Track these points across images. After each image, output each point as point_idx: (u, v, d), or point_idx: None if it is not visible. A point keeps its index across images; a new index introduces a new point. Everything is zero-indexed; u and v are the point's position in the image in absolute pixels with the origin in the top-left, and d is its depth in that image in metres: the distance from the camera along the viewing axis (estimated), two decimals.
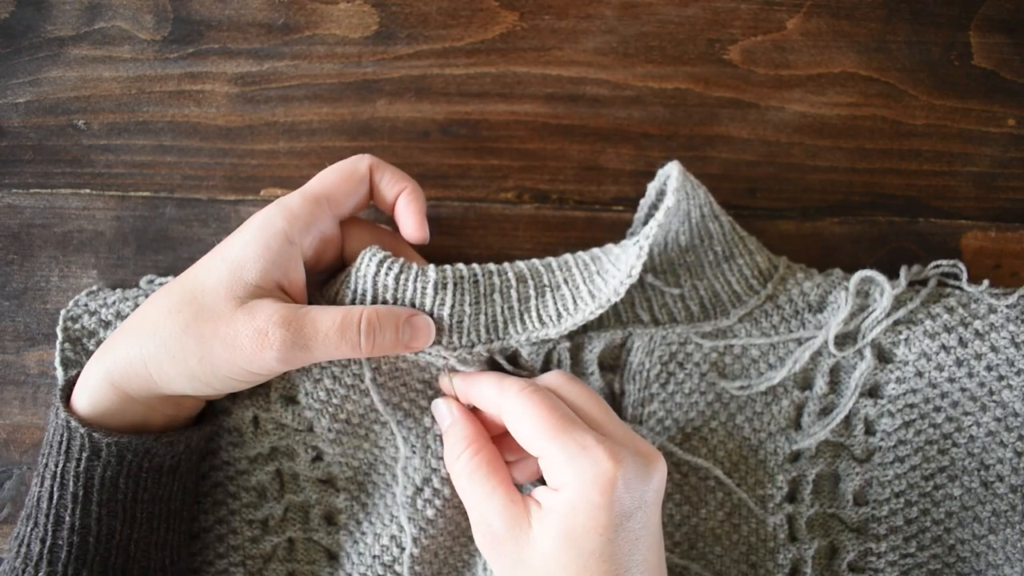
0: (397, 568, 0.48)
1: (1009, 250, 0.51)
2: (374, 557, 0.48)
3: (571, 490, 0.37)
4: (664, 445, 0.47)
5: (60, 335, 0.47)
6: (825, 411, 0.47)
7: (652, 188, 0.47)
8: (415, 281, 0.43)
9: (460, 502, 0.47)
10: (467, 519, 0.48)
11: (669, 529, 0.48)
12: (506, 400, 0.40)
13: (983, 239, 0.51)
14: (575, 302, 0.44)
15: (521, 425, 0.39)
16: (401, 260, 0.43)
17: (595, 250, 0.46)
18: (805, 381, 0.47)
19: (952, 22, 0.51)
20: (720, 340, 0.46)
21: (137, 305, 0.47)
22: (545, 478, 0.39)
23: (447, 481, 0.47)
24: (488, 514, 0.40)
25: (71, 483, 0.40)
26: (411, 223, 0.44)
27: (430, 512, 0.47)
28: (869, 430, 0.47)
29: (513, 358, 0.45)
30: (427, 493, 0.47)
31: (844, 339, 0.46)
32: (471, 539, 0.48)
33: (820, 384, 0.46)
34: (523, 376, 0.45)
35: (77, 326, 0.47)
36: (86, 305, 0.48)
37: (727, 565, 0.48)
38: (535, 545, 0.38)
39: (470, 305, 0.43)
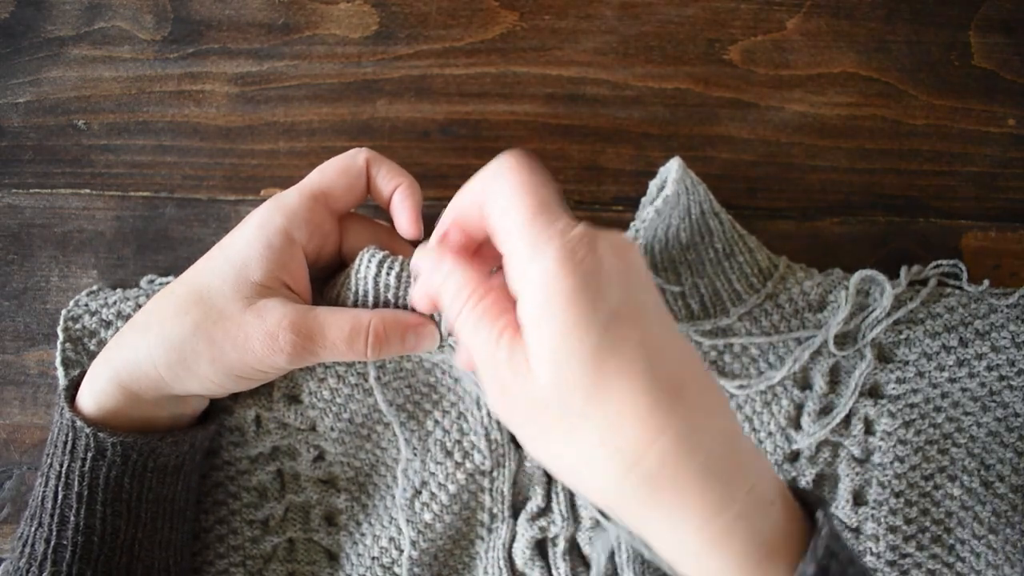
0: (396, 570, 0.48)
1: (1009, 250, 0.51)
2: (373, 558, 0.48)
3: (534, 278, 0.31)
4: None
5: (61, 335, 0.47)
6: (825, 411, 0.47)
7: (653, 186, 0.47)
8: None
9: (459, 506, 0.47)
10: (467, 523, 0.48)
11: None
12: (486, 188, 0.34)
13: (983, 239, 0.51)
14: None
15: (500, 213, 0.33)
16: (401, 258, 0.43)
17: None
18: (805, 380, 0.47)
19: (952, 22, 0.51)
20: (720, 338, 0.46)
21: (139, 305, 0.47)
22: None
23: (445, 486, 0.47)
24: (498, 364, 0.33)
25: (76, 483, 0.40)
26: (406, 219, 0.44)
27: (428, 516, 0.47)
28: (869, 430, 0.47)
29: None
30: (425, 496, 0.47)
31: (844, 338, 0.46)
32: (471, 542, 0.48)
33: (820, 383, 0.46)
34: None
35: (78, 326, 0.47)
36: (87, 305, 0.48)
37: None
38: (535, 379, 0.32)
39: None
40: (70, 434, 0.40)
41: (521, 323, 0.32)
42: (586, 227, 0.32)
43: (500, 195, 0.33)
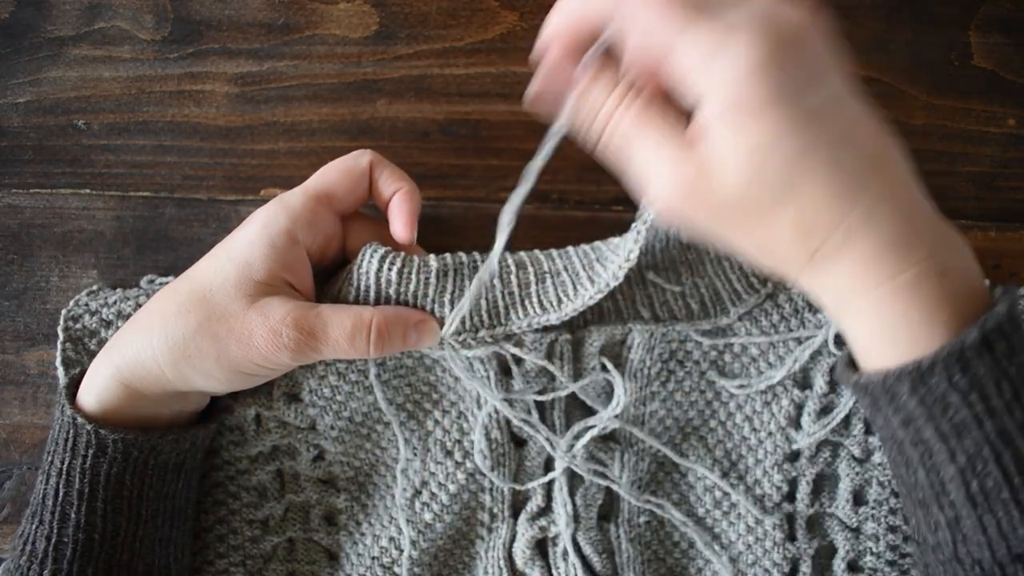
0: (396, 570, 0.48)
1: (1009, 250, 0.51)
2: (373, 558, 0.48)
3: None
4: (660, 448, 0.47)
5: (61, 335, 0.47)
6: (825, 410, 0.47)
7: None
8: (418, 273, 0.43)
9: (459, 506, 0.47)
10: (467, 523, 0.48)
11: (668, 529, 0.48)
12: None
13: (983, 239, 0.51)
14: (575, 287, 0.44)
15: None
16: (402, 254, 0.43)
17: (596, 242, 0.46)
18: (805, 380, 0.47)
19: (952, 22, 0.51)
20: (720, 338, 0.46)
21: (139, 305, 0.47)
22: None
23: (445, 485, 0.47)
24: (678, 162, 0.33)
25: (77, 480, 0.40)
26: (401, 223, 0.44)
27: (428, 516, 0.47)
28: (869, 430, 0.47)
29: (518, 348, 0.45)
30: (425, 496, 0.47)
31: (844, 338, 0.46)
32: (471, 542, 0.48)
33: (820, 383, 0.46)
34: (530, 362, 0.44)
35: (78, 326, 0.47)
36: (87, 305, 0.48)
37: (725, 564, 0.48)
38: (726, 178, 0.32)
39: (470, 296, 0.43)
40: (71, 431, 0.40)
41: (705, 123, 0.32)
42: (763, 10, 0.31)
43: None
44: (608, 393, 0.47)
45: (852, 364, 0.37)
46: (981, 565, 0.33)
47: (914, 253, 0.33)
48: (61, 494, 0.40)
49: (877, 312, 0.33)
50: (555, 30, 0.35)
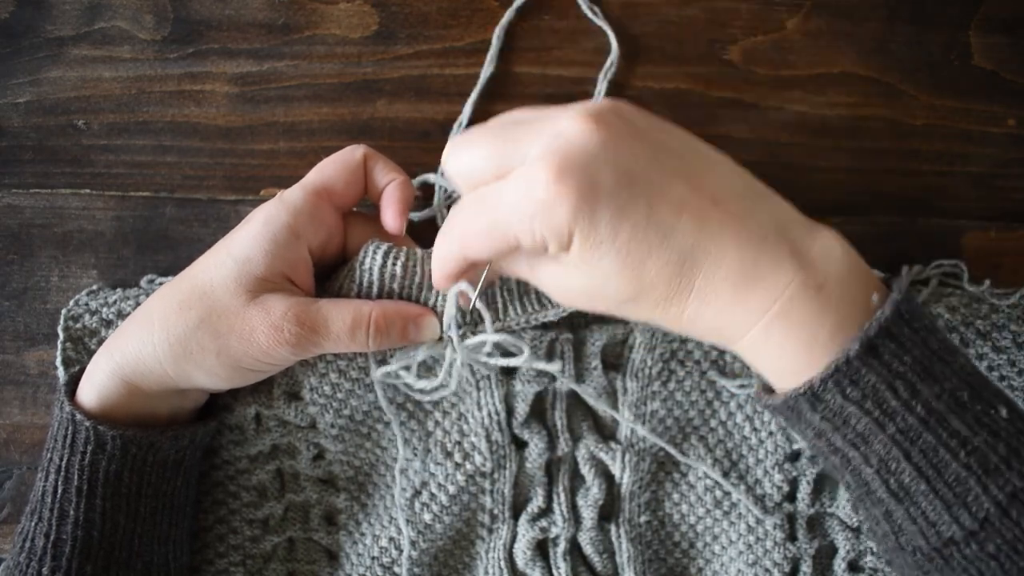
0: (396, 569, 0.48)
1: (1009, 250, 0.51)
2: (373, 558, 0.48)
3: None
4: (662, 446, 0.47)
5: (61, 334, 0.47)
6: None
7: None
8: (421, 267, 0.43)
9: (459, 507, 0.47)
10: (467, 524, 0.48)
11: (668, 529, 0.48)
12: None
13: (983, 239, 0.51)
14: None
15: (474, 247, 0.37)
16: (405, 249, 0.43)
17: None
18: None
19: (952, 22, 0.51)
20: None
21: (139, 305, 0.47)
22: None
23: (444, 487, 0.47)
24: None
25: (76, 477, 0.40)
26: (391, 213, 0.44)
27: (427, 516, 0.47)
28: None
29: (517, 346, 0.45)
30: (425, 496, 0.47)
31: None
32: (471, 543, 0.48)
33: None
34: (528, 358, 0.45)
35: (78, 325, 0.47)
36: (87, 304, 0.48)
37: (725, 564, 0.48)
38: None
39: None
40: (70, 428, 0.40)
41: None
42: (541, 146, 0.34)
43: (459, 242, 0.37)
44: (610, 393, 0.47)
45: (767, 386, 0.38)
46: (920, 551, 0.34)
47: (776, 281, 0.33)
48: (60, 491, 0.40)
49: (763, 345, 0.34)
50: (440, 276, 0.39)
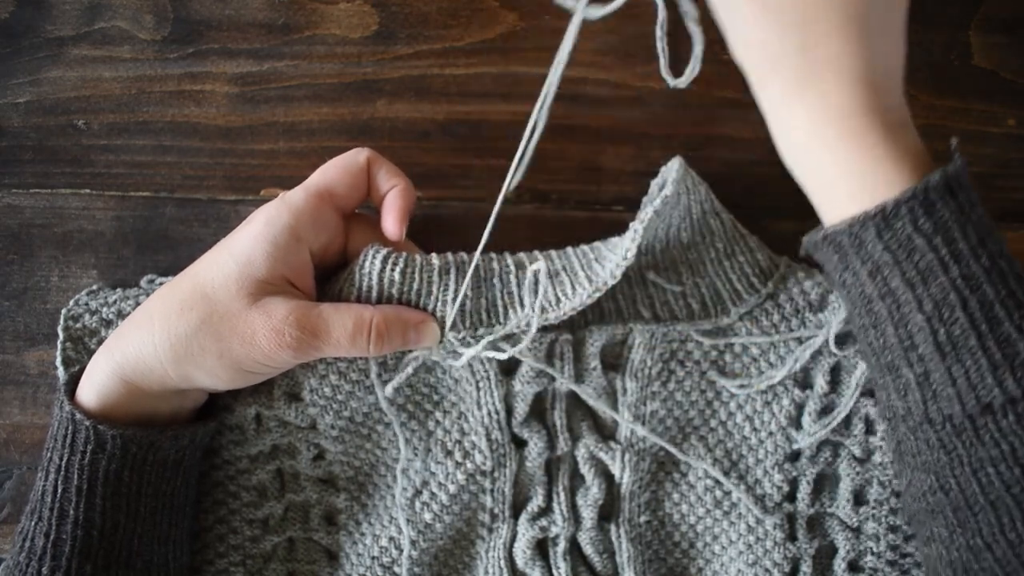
0: (396, 569, 0.48)
1: (1009, 250, 0.51)
2: (373, 558, 0.48)
3: None
4: (662, 445, 0.47)
5: (61, 334, 0.47)
6: (825, 410, 0.47)
7: (655, 185, 0.47)
8: (420, 272, 0.43)
9: (459, 507, 0.47)
10: (467, 523, 0.48)
11: (668, 529, 0.48)
12: None
13: None
14: (573, 287, 0.44)
15: None
16: (405, 254, 0.43)
17: (595, 242, 0.46)
18: (805, 380, 0.47)
19: (952, 22, 0.51)
20: (720, 338, 0.46)
21: (139, 304, 0.47)
22: None
23: (445, 486, 0.47)
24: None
25: (75, 476, 0.40)
26: (391, 219, 0.44)
27: (428, 516, 0.47)
28: (869, 429, 0.47)
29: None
30: (425, 496, 0.47)
31: (845, 338, 0.46)
32: (471, 542, 0.48)
33: (820, 383, 0.46)
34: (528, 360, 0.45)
35: (78, 325, 0.47)
36: (87, 304, 0.48)
37: (725, 564, 0.48)
38: None
39: (471, 289, 0.43)
40: (70, 427, 0.40)
41: None
42: None
43: None
44: (610, 393, 0.47)
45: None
46: (952, 421, 0.33)
47: (887, 100, 0.34)
48: (60, 491, 0.40)
49: (840, 153, 0.34)
50: None
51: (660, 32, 0.44)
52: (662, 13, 0.43)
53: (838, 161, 0.34)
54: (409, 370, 0.44)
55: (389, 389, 0.44)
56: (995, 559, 0.33)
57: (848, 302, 0.38)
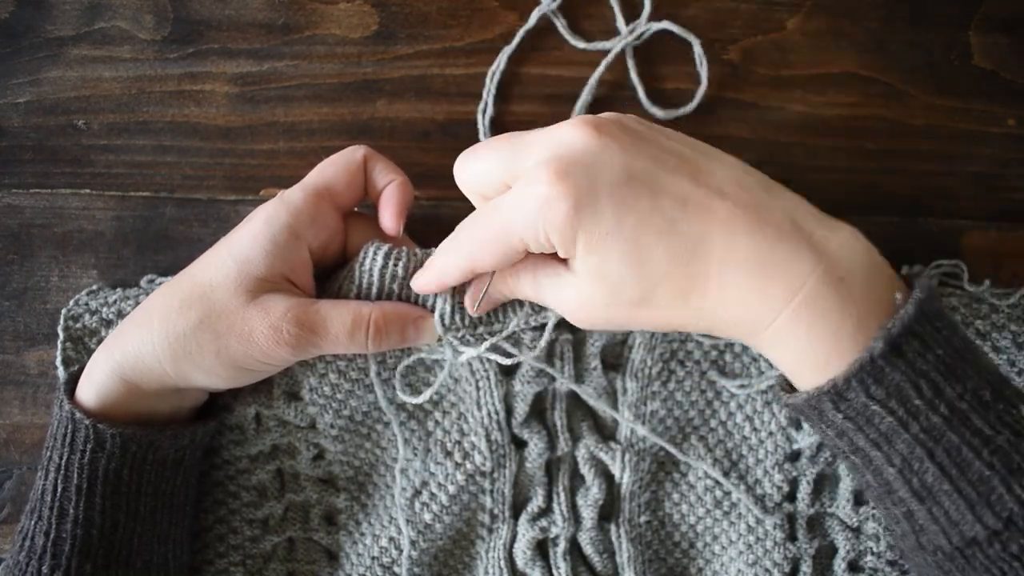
0: (396, 569, 0.48)
1: (1009, 250, 0.51)
2: (373, 558, 0.48)
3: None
4: (662, 445, 0.47)
5: (61, 334, 0.47)
6: None
7: None
8: (422, 267, 0.43)
9: (459, 507, 0.47)
10: (467, 524, 0.48)
11: (668, 529, 0.48)
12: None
13: (983, 239, 0.51)
14: None
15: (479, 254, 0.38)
16: (406, 251, 0.43)
17: None
18: None
19: (952, 22, 0.51)
20: (720, 338, 0.46)
21: (139, 304, 0.47)
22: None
23: (444, 486, 0.47)
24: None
25: (75, 475, 0.40)
26: (389, 214, 0.44)
27: (427, 516, 0.47)
28: None
29: (516, 348, 0.45)
30: (425, 496, 0.47)
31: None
32: (471, 542, 0.48)
33: None
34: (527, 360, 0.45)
35: (78, 325, 0.47)
36: (87, 304, 0.48)
37: (726, 564, 0.48)
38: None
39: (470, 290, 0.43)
40: (69, 426, 0.40)
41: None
42: (542, 151, 0.35)
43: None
44: (610, 393, 0.47)
45: (788, 384, 0.38)
46: (942, 551, 0.34)
47: (797, 270, 0.33)
48: (59, 490, 0.40)
49: (786, 338, 0.34)
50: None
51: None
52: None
53: (789, 340, 0.34)
54: (437, 385, 0.44)
55: (423, 398, 0.44)
56: None
57: (828, 448, 0.39)
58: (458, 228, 0.39)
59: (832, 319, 0.33)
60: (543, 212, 0.34)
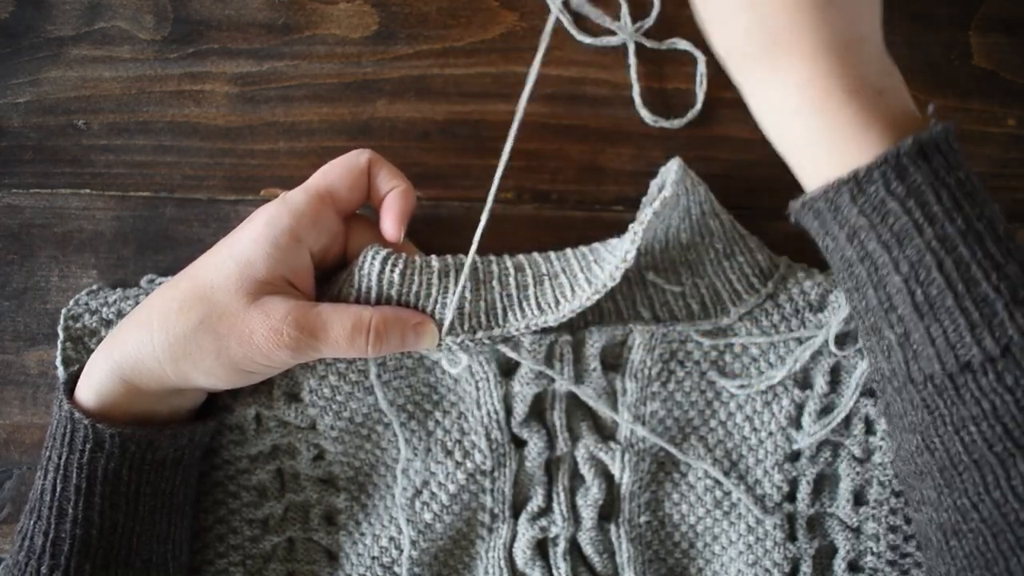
0: (396, 569, 0.48)
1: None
2: (373, 558, 0.48)
3: None
4: (662, 445, 0.47)
5: (61, 334, 0.47)
6: (825, 410, 0.47)
7: (654, 186, 0.47)
8: (420, 274, 0.43)
9: (459, 506, 0.47)
10: (467, 523, 0.48)
11: (668, 529, 0.48)
12: None
13: None
14: (572, 289, 0.44)
15: None
16: (404, 255, 0.43)
17: (594, 244, 0.46)
18: (805, 380, 0.47)
19: (952, 22, 0.51)
20: (720, 338, 0.46)
21: (139, 304, 0.47)
22: None
23: (445, 485, 0.47)
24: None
25: (74, 475, 0.40)
26: (390, 220, 0.44)
27: (428, 516, 0.47)
28: (869, 429, 0.47)
29: (516, 350, 0.45)
30: (425, 496, 0.47)
31: (845, 338, 0.46)
32: (471, 542, 0.48)
33: (820, 383, 0.46)
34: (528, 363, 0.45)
35: (78, 325, 0.47)
36: (87, 304, 0.48)
37: (726, 564, 0.48)
38: None
39: (470, 291, 0.43)
40: (68, 426, 0.40)
41: None
42: None
43: None
44: (610, 394, 0.47)
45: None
46: (933, 381, 0.33)
47: (852, 66, 0.34)
48: (59, 490, 0.40)
49: (816, 121, 0.34)
50: None
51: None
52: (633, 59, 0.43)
53: (809, 129, 0.35)
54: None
55: (376, 369, 0.44)
56: (981, 519, 0.33)
57: (833, 266, 0.38)
58: None
59: (867, 117, 0.34)
60: None
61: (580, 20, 0.51)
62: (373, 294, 0.43)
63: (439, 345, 0.43)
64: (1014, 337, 0.31)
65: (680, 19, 0.51)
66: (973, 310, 0.32)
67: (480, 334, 0.43)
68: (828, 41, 0.34)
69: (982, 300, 0.32)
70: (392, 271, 0.42)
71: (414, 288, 0.43)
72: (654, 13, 0.51)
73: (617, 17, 0.51)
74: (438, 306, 0.43)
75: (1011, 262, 0.32)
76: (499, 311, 0.44)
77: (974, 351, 0.32)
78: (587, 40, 0.51)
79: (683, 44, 0.50)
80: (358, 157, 0.44)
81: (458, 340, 0.43)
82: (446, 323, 0.43)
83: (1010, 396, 0.31)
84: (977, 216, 0.32)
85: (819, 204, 0.35)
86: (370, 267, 0.43)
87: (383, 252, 0.43)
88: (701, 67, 0.50)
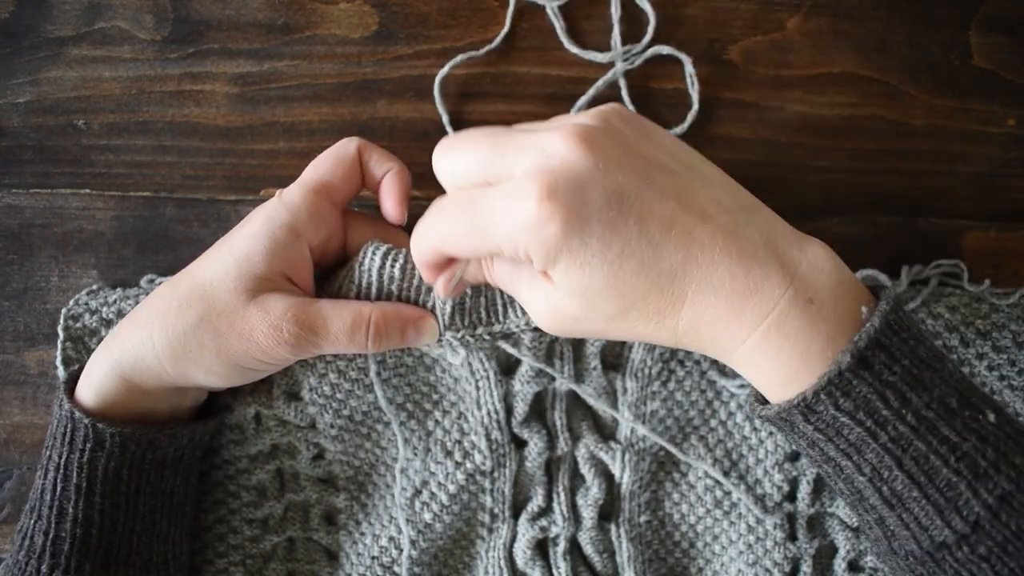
0: (396, 569, 0.48)
1: (1009, 250, 0.51)
2: (373, 558, 0.48)
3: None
4: (662, 445, 0.47)
5: (61, 334, 0.47)
6: None
7: None
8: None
9: (459, 506, 0.47)
10: (467, 523, 0.48)
11: (668, 528, 0.48)
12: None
13: (983, 239, 0.51)
14: None
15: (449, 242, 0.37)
16: (404, 251, 0.43)
17: None
18: None
19: (952, 22, 0.51)
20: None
21: (139, 303, 0.47)
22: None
23: (444, 485, 0.47)
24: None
25: (74, 474, 0.40)
26: (391, 203, 0.44)
27: (427, 515, 0.47)
28: None
29: (516, 347, 0.45)
30: (425, 496, 0.47)
31: None
32: (471, 542, 0.48)
33: None
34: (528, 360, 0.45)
35: (78, 325, 0.47)
36: (87, 304, 0.48)
37: (726, 564, 0.48)
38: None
39: (470, 287, 0.43)
40: (68, 425, 0.40)
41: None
42: (531, 161, 0.34)
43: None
44: (610, 394, 0.47)
45: (762, 397, 0.38)
46: (913, 555, 0.35)
47: (768, 294, 0.34)
48: (59, 489, 0.40)
49: (757, 357, 0.35)
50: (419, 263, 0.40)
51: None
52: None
53: (759, 359, 0.35)
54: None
55: (376, 367, 0.44)
56: None
57: (802, 453, 0.40)
58: (432, 208, 0.38)
59: (801, 338, 0.34)
60: (528, 231, 0.33)
61: (572, 25, 0.51)
62: (374, 289, 0.43)
63: (439, 341, 0.43)
64: (981, 513, 0.33)
65: (664, 23, 0.51)
66: (938, 497, 0.33)
67: (480, 330, 0.43)
68: (724, 293, 0.34)
69: (945, 485, 0.33)
70: (393, 266, 0.42)
71: (415, 283, 0.43)
72: (645, 40, 0.51)
73: (608, 29, 0.51)
74: (438, 302, 0.43)
75: (968, 437, 0.33)
76: (499, 307, 0.44)
77: (946, 532, 0.33)
78: (575, 50, 0.51)
79: (666, 50, 0.50)
80: (347, 146, 0.44)
81: (458, 336, 0.43)
82: (446, 318, 0.43)
83: (987, 564, 0.33)
84: (926, 404, 0.33)
85: (775, 420, 0.36)
86: (370, 262, 0.43)
87: (384, 247, 0.43)
88: (689, 68, 0.50)
